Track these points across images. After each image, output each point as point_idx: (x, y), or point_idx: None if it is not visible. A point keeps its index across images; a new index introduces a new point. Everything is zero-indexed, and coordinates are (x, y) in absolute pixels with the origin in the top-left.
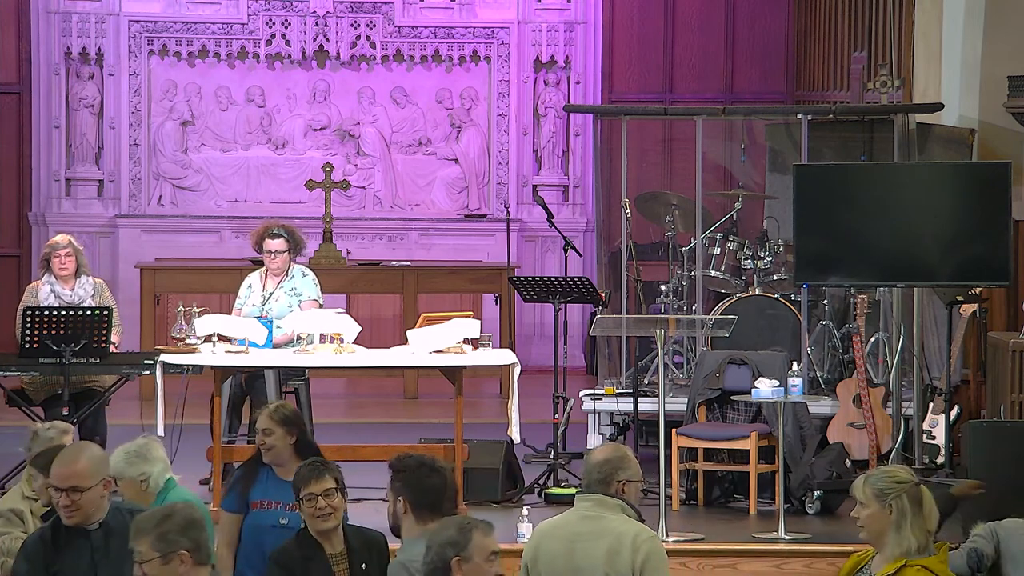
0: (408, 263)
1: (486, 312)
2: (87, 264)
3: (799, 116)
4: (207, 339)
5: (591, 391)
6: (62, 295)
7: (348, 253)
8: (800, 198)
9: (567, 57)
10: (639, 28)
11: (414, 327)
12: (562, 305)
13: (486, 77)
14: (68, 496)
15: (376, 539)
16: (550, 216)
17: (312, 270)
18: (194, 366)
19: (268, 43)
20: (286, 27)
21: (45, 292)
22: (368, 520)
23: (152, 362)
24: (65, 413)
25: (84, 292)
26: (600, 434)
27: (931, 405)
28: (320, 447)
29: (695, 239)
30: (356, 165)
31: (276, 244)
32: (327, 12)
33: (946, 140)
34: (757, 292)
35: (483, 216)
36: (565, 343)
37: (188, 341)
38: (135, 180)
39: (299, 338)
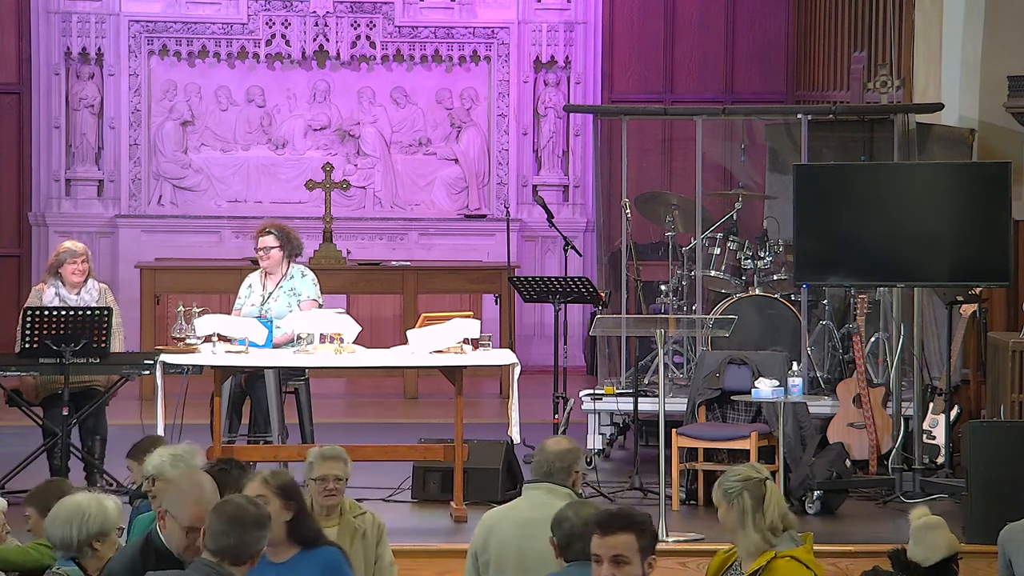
0: (408, 263)
1: (486, 312)
2: (93, 270)
3: (799, 116)
4: (207, 339)
5: (591, 391)
6: (67, 299)
7: (348, 253)
8: (800, 198)
9: (567, 57)
10: (639, 28)
11: (414, 327)
12: (562, 305)
13: (486, 77)
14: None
15: None
16: (550, 216)
17: (312, 270)
18: (194, 366)
19: (268, 43)
20: (286, 27)
21: (50, 295)
22: None
23: (152, 362)
24: (65, 413)
25: (90, 297)
26: (600, 434)
27: (931, 405)
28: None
29: (695, 239)
30: (356, 165)
31: (266, 240)
32: (327, 12)
33: (946, 140)
34: (757, 292)
35: (483, 216)
36: (565, 343)
37: (188, 341)
38: (135, 180)
39: (299, 338)
